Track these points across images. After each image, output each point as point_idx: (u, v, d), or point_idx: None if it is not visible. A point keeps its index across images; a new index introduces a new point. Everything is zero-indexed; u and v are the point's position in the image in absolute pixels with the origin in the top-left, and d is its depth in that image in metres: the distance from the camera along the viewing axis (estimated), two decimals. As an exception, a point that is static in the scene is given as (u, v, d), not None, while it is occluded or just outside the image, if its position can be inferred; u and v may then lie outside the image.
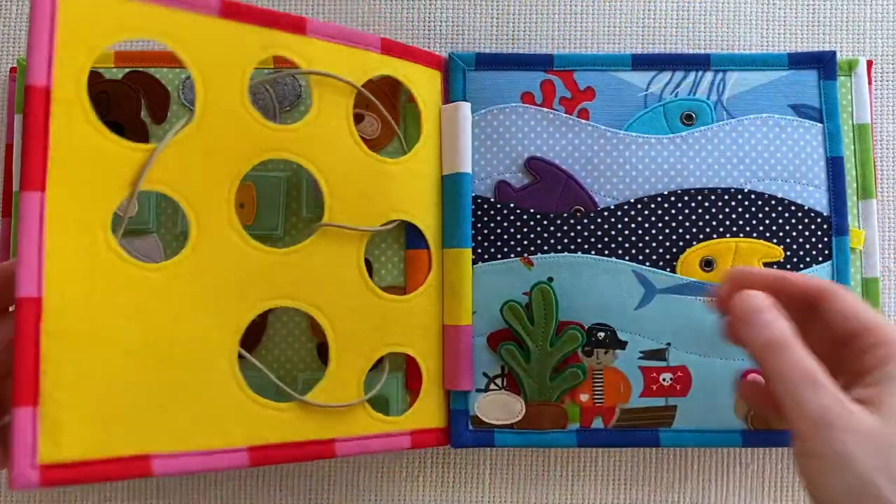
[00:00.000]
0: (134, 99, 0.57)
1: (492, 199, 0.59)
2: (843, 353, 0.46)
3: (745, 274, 0.49)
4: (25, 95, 0.42)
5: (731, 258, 0.59)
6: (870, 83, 0.62)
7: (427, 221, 0.58)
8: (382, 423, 0.56)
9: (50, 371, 0.42)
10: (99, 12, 0.45)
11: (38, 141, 0.42)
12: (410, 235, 0.58)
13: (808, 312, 0.47)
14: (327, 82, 0.54)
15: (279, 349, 0.58)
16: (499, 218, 0.59)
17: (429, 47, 0.64)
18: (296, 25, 0.53)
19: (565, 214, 0.59)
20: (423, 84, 0.58)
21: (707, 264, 0.59)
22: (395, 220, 0.57)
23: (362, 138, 0.56)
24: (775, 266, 0.59)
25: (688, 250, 0.59)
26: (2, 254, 0.58)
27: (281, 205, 0.57)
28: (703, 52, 0.64)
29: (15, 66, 0.59)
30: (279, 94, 0.58)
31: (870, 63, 0.62)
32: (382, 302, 0.56)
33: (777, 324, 0.45)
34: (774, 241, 0.59)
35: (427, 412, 0.57)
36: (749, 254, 0.59)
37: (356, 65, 0.55)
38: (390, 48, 0.57)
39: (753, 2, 0.65)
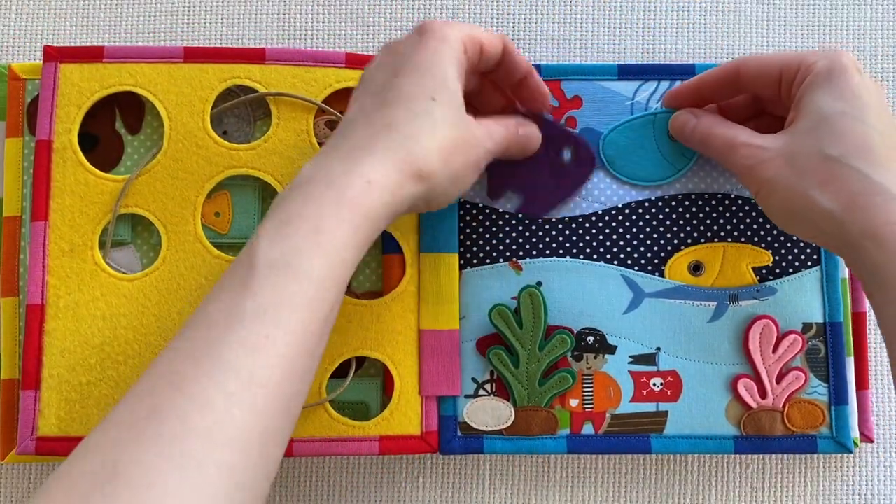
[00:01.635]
0: (109, 111, 0.60)
1: (480, 204, 0.59)
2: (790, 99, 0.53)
3: (672, 95, 0.59)
4: (36, 148, 0.57)
5: (720, 262, 0.58)
6: None
7: (399, 225, 0.58)
8: (347, 427, 0.57)
9: (45, 363, 0.56)
10: (87, 76, 0.58)
11: (43, 182, 0.57)
12: (386, 240, 0.59)
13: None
14: (286, 101, 0.58)
15: None
16: (487, 223, 0.59)
17: (429, 49, 0.65)
18: (255, 56, 0.59)
19: (554, 219, 0.59)
20: None
21: (696, 268, 0.59)
22: None
23: None
24: (764, 271, 0.58)
25: (676, 254, 0.59)
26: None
27: (256, 212, 0.59)
28: (692, 58, 0.65)
29: (12, 65, 0.60)
30: (254, 104, 0.60)
31: None
32: (346, 307, 0.57)
33: (699, 124, 0.55)
34: (763, 245, 0.58)
35: (400, 418, 0.57)
36: (737, 258, 0.58)
37: (317, 81, 0.59)
38: (356, 61, 0.59)
39: (753, 2, 0.65)
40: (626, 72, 0.60)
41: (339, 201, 0.44)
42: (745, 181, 0.52)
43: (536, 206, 0.59)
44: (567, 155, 0.59)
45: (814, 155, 0.48)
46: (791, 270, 0.58)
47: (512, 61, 0.54)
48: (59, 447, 0.55)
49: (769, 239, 0.58)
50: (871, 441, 0.60)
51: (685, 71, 0.60)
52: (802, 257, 0.58)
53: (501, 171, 0.58)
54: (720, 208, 0.59)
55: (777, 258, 0.58)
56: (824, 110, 0.49)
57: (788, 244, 0.58)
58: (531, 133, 0.56)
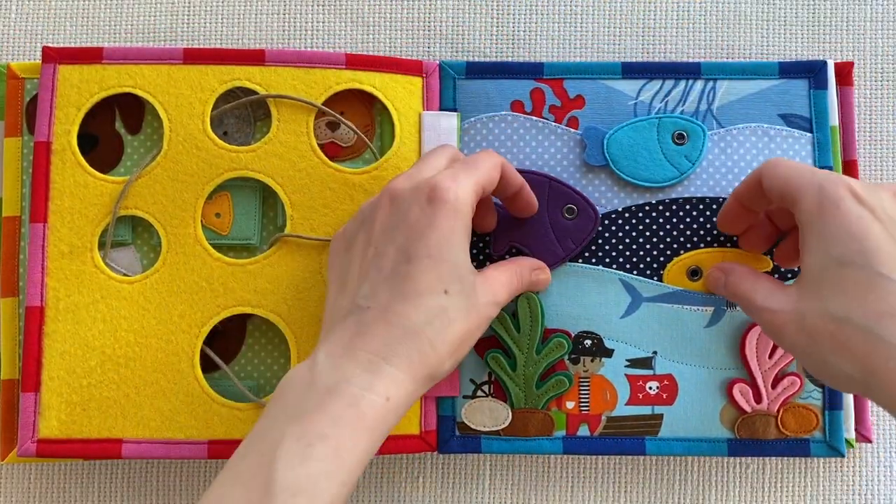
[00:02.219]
0: (109, 111, 0.60)
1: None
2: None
3: (721, 217, 0.56)
4: (34, 150, 0.57)
5: None
6: (850, 85, 0.61)
7: None
8: None
9: (46, 365, 0.56)
10: (86, 78, 0.58)
11: (42, 184, 0.57)
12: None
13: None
14: (286, 102, 0.58)
15: (259, 357, 0.59)
16: (486, 225, 0.59)
17: (429, 48, 0.64)
18: (255, 57, 0.59)
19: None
20: (397, 92, 0.59)
21: (693, 273, 0.59)
22: None
23: (338, 146, 0.60)
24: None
25: (675, 259, 0.59)
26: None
27: (257, 214, 0.59)
28: (694, 60, 0.64)
29: (10, 64, 0.60)
30: (254, 105, 0.60)
31: (849, 65, 0.61)
32: None
33: (727, 283, 0.53)
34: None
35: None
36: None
37: (317, 83, 0.59)
38: (356, 62, 0.59)
39: (753, 2, 0.64)
40: (630, 70, 0.60)
41: (359, 422, 0.44)
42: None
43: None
44: (569, 212, 0.59)
45: (821, 317, 0.44)
46: (790, 276, 0.58)
47: (507, 181, 0.53)
48: (61, 449, 0.56)
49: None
50: (870, 441, 0.60)
51: (690, 69, 0.60)
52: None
53: (506, 228, 0.58)
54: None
55: (776, 264, 0.58)
56: (823, 260, 0.44)
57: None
58: (543, 277, 0.57)
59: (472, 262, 0.58)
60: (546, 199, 0.59)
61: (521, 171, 0.58)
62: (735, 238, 0.58)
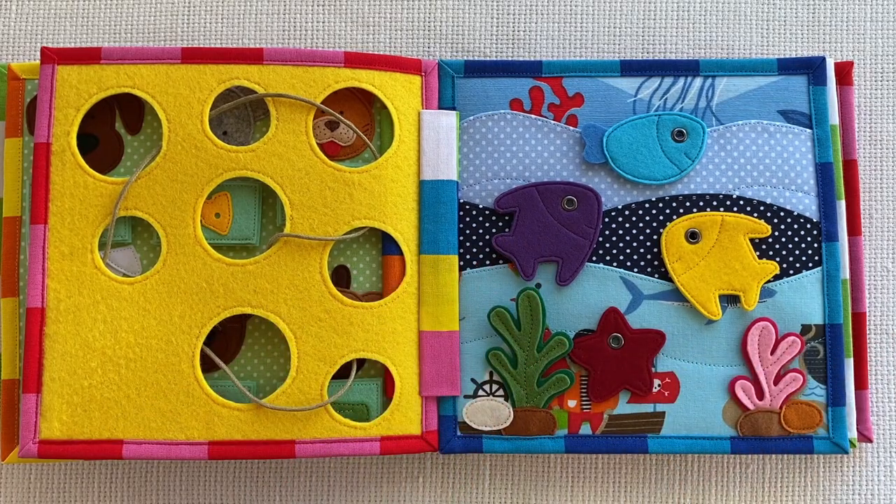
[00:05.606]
0: (109, 111, 0.60)
1: (480, 206, 0.59)
2: None
3: None
4: (34, 151, 0.57)
5: (717, 231, 0.58)
6: (850, 84, 0.61)
7: (399, 227, 0.58)
8: (349, 428, 0.57)
9: (47, 366, 0.56)
10: (84, 78, 0.57)
11: (42, 185, 0.57)
12: (386, 242, 0.59)
13: None
14: (284, 101, 0.58)
15: (259, 357, 0.59)
16: (487, 224, 0.59)
17: (429, 48, 0.65)
18: (253, 56, 0.58)
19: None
20: (396, 90, 0.59)
21: (692, 236, 0.58)
22: (360, 229, 0.58)
23: (338, 145, 0.60)
24: (761, 251, 0.58)
25: (674, 221, 0.59)
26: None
27: (256, 214, 0.59)
28: (693, 57, 0.64)
29: (11, 64, 0.60)
30: (253, 105, 0.60)
31: (849, 64, 0.61)
32: (348, 309, 0.57)
33: None
34: (763, 246, 0.58)
35: (401, 419, 0.57)
36: (735, 228, 0.58)
37: (316, 82, 0.58)
38: (355, 60, 0.59)
39: (753, 2, 0.64)
40: (629, 68, 0.60)
41: None
42: None
43: (570, 266, 0.58)
44: (569, 203, 0.59)
45: None
46: (791, 272, 0.58)
47: None
48: (62, 450, 0.55)
49: (770, 240, 0.59)
50: (871, 441, 0.60)
51: (689, 67, 0.60)
52: (804, 258, 0.58)
53: (524, 250, 0.58)
54: (721, 209, 0.59)
55: (778, 260, 0.58)
56: None
57: (790, 245, 0.58)
58: None
59: (473, 260, 0.59)
60: (541, 203, 0.59)
61: (506, 193, 0.59)
62: (735, 207, 0.59)
